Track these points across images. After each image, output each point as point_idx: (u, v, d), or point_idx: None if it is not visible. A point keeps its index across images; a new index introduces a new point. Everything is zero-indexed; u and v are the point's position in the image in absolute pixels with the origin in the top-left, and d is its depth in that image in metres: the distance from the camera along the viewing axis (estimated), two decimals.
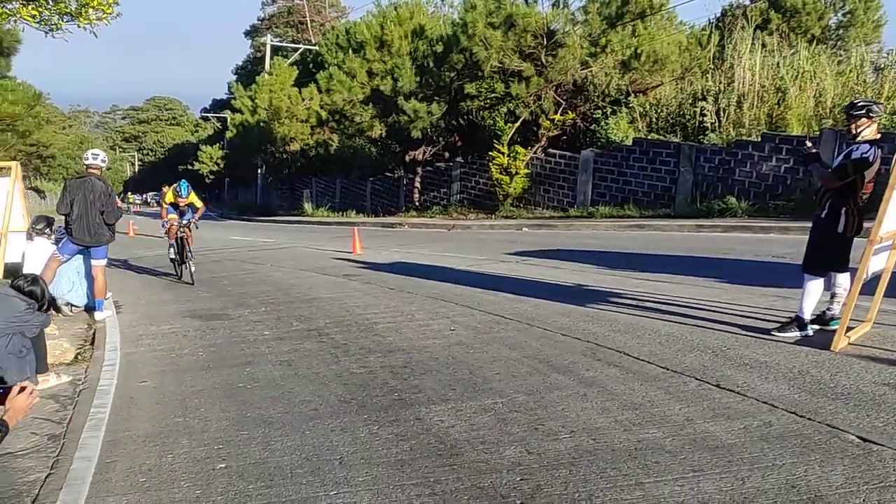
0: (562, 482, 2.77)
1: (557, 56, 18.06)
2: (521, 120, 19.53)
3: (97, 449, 3.35)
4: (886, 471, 2.74)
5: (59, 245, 6.78)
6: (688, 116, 18.02)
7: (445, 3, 29.76)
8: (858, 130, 4.83)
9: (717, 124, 17.11)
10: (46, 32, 8.10)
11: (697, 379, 4.01)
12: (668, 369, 4.23)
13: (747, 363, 4.29)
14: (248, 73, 50.12)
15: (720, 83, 17.70)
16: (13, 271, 6.29)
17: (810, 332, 4.86)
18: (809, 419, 3.30)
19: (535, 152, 19.64)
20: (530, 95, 18.70)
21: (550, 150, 19.60)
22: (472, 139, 22.90)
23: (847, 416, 3.33)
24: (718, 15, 25.03)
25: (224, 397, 4.13)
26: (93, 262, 6.78)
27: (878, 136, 4.86)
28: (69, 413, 3.96)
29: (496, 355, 4.77)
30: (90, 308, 7.14)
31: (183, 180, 9.63)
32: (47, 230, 7.18)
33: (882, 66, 17.06)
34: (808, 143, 5.19)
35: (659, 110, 18.80)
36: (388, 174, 27.01)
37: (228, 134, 38.43)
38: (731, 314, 5.60)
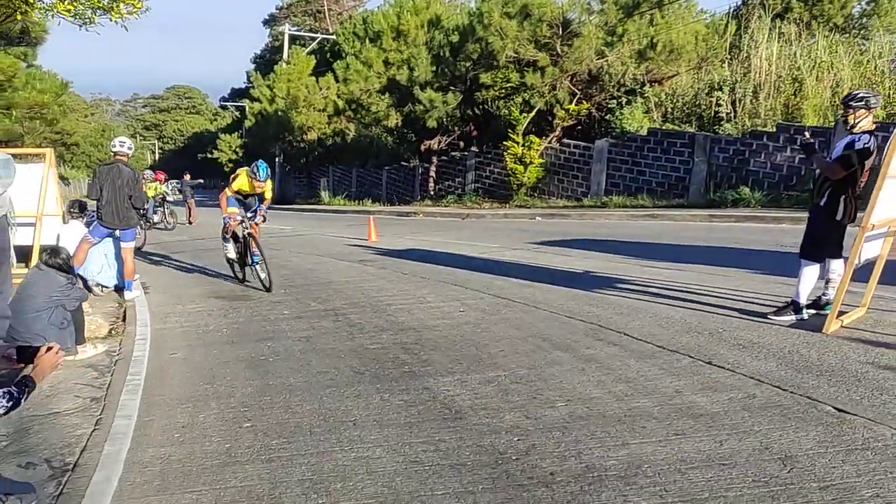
0: (555, 442, 3.04)
1: (573, 46, 18.15)
2: (535, 110, 19.66)
3: (135, 409, 3.69)
4: (855, 436, 2.97)
5: (90, 228, 7.15)
6: (703, 106, 18.03)
7: None
8: (857, 121, 4.99)
9: (732, 114, 17.12)
10: (80, 26, 8.46)
11: (691, 357, 4.25)
12: (664, 348, 4.47)
13: (741, 343, 4.51)
14: (266, 62, 50.55)
15: (736, 73, 17.69)
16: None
17: (805, 316, 5.06)
18: (791, 392, 3.54)
19: (549, 142, 19.78)
20: (545, 85, 18.82)
21: (565, 140, 19.72)
22: (488, 129, 23.07)
23: (828, 390, 3.56)
24: (739, 3, 24.88)
25: (248, 368, 4.46)
26: (122, 244, 7.15)
27: (874, 126, 5.02)
28: (107, 379, 4.31)
29: (502, 334, 5.04)
30: (119, 288, 7.52)
31: (260, 160, 7.51)
32: (81, 214, 7.55)
33: None
34: (807, 135, 5.37)
35: (674, 100, 18.82)
36: (403, 163, 27.28)
37: (247, 123, 38.88)
38: (733, 299, 5.81)
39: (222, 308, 6.55)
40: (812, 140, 5.37)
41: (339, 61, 23.98)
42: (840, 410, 3.27)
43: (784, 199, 13.81)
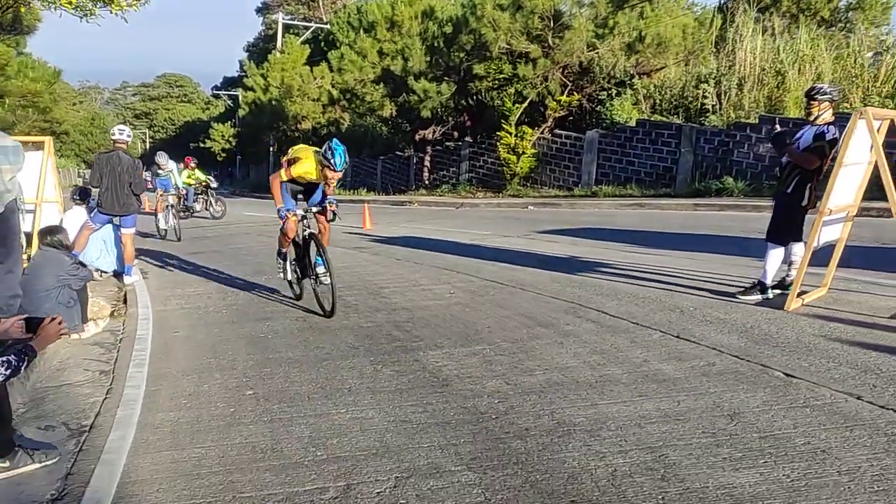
0: (531, 404, 3.36)
1: (564, 38, 18.39)
2: (528, 101, 19.92)
3: (143, 380, 3.98)
4: (798, 396, 3.31)
5: (91, 215, 7.40)
6: (690, 98, 18.34)
7: None
8: (820, 113, 5.31)
9: (718, 106, 17.44)
10: (81, 17, 8.64)
11: (661, 332, 4.57)
12: (638, 324, 4.79)
13: (709, 320, 4.84)
14: (259, 50, 50.41)
15: (722, 66, 17.99)
16: None
17: (771, 296, 5.39)
18: (747, 361, 3.87)
19: (541, 132, 20.06)
20: (537, 76, 19.07)
21: (557, 131, 20.00)
22: (481, 119, 23.31)
23: (780, 359, 3.89)
24: None
25: (248, 344, 4.75)
26: (122, 230, 7.41)
27: (833, 118, 5.33)
28: (114, 355, 4.59)
29: (489, 313, 5.35)
30: (118, 273, 7.78)
31: (336, 141, 5.30)
32: (83, 201, 7.79)
33: (880, 50, 17.28)
34: (777, 127, 5.68)
35: (663, 92, 19.11)
36: (398, 153, 27.49)
37: (241, 112, 38.93)
38: (706, 281, 6.14)
39: (221, 291, 6.83)
40: (783, 131, 5.69)
41: (333, 51, 24.10)
42: (788, 375, 3.60)
43: (766, 189, 14.15)
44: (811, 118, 5.36)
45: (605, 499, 2.41)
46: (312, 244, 5.56)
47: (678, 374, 3.70)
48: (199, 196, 17.32)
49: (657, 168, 17.26)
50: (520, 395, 3.47)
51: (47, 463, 2.84)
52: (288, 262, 5.90)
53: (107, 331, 5.25)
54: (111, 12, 8.58)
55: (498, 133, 19.96)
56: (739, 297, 5.46)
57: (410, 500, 2.46)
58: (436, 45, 21.02)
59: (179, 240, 11.74)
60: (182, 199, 14.52)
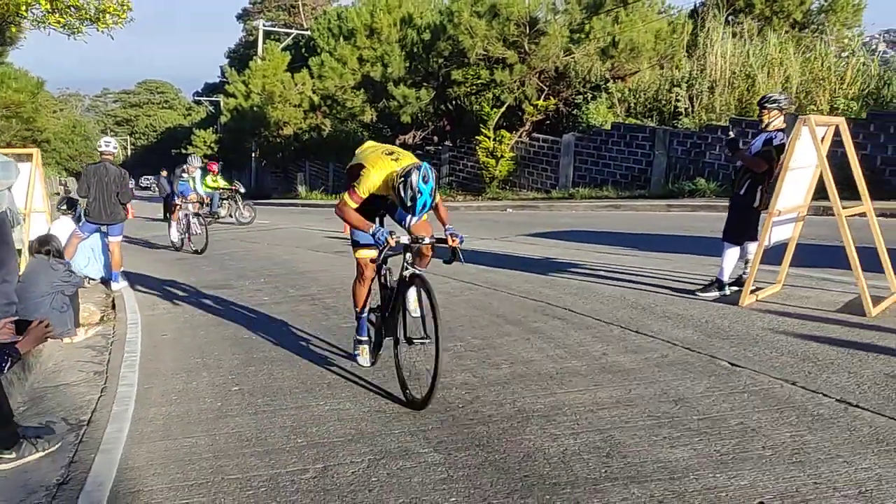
0: (495, 394, 3.66)
1: (540, 44, 18.78)
2: (506, 105, 20.28)
3: (135, 380, 4.23)
4: (740, 384, 3.64)
5: (80, 224, 7.59)
6: (664, 102, 18.82)
7: None
8: (770, 120, 5.70)
9: (690, 109, 17.94)
10: (69, 35, 8.86)
11: (622, 327, 4.90)
12: (601, 321, 5.12)
13: (667, 316, 5.18)
14: (240, 56, 50.42)
15: (694, 70, 18.51)
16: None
17: (728, 292, 5.75)
18: (698, 352, 4.20)
19: (519, 136, 20.44)
20: (514, 82, 19.45)
21: (534, 135, 20.39)
22: (460, 124, 23.64)
23: (728, 350, 4.23)
24: (698, 2, 25.73)
25: (233, 345, 5.00)
26: (110, 238, 7.61)
27: (784, 125, 5.72)
28: (106, 357, 4.82)
29: (463, 313, 5.65)
30: (105, 280, 7.97)
31: (424, 167, 3.55)
32: (70, 210, 7.97)
33: (848, 53, 17.91)
34: (731, 133, 6.06)
35: (637, 96, 19.59)
36: None
37: (223, 118, 38.94)
38: (670, 279, 6.48)
39: (206, 297, 7.05)
40: (736, 137, 6.07)
41: (314, 57, 24.34)
42: (733, 364, 3.94)
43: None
44: (762, 125, 5.75)
45: (555, 473, 2.71)
46: (413, 291, 3.74)
47: (633, 365, 4.02)
48: (224, 201, 17.19)
49: (632, 170, 17.70)
50: (486, 387, 3.77)
51: (50, 450, 3.08)
52: (368, 313, 4.09)
53: (98, 335, 5.47)
54: (98, 30, 8.79)
55: (477, 137, 20.30)
56: (698, 294, 5.81)
57: (381, 478, 2.75)
58: (415, 51, 21.34)
59: (203, 251, 10.59)
60: (203, 206, 13.20)
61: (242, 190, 17.71)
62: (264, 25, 39.87)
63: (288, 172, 35.91)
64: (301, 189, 31.32)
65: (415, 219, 3.72)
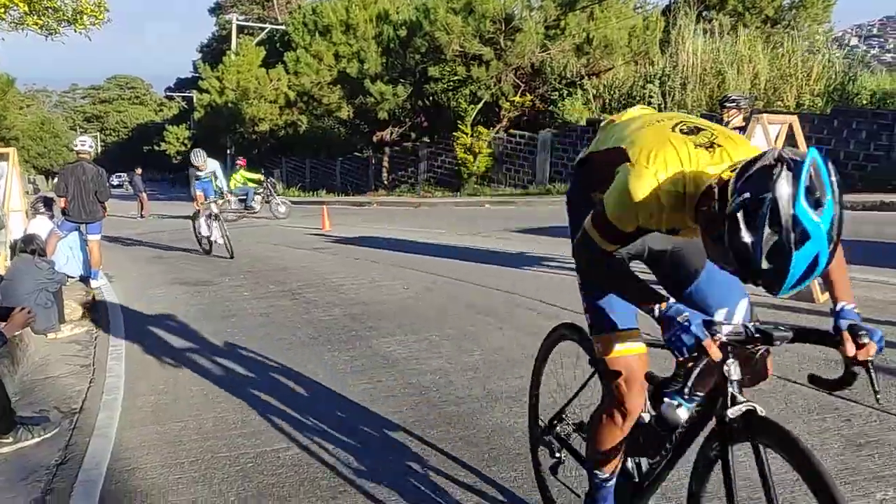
0: (467, 378, 3.90)
1: (515, 40, 19.04)
2: (482, 101, 20.54)
3: (122, 371, 4.39)
4: None
5: (58, 223, 7.66)
6: (637, 98, 19.22)
7: None
8: (730, 119, 6.01)
9: (663, 105, 18.37)
10: (46, 36, 8.87)
11: None
12: (570, 310, 5.36)
13: None
14: (213, 51, 49.87)
15: (667, 66, 18.95)
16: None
17: None
18: (658, 338, 4.48)
19: (496, 133, 20.71)
20: (491, 78, 19.69)
21: (511, 131, 20.67)
22: (438, 120, 23.84)
23: None
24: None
25: (216, 338, 5.17)
26: (89, 236, 7.69)
27: (744, 123, 6.03)
28: (91, 351, 4.97)
29: (438, 305, 5.88)
30: (84, 278, 8.04)
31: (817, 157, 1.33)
32: (47, 209, 8.02)
33: (814, 50, 18.50)
34: None
35: (612, 92, 19.97)
36: (357, 154, 27.82)
37: (196, 115, 38.60)
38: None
39: (186, 292, 7.20)
40: None
41: (289, 53, 24.30)
42: None
43: None
44: (723, 124, 6.05)
45: (518, 446, 2.96)
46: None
47: None
48: (258, 195, 17.42)
49: None
50: (458, 372, 4.01)
51: (46, 436, 3.25)
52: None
53: (82, 330, 5.60)
54: (75, 31, 8.82)
55: (454, 133, 20.53)
56: None
57: (359, 453, 2.97)
58: (391, 47, 21.47)
59: (232, 256, 9.34)
60: (227, 203, 12.13)
61: (279, 185, 18.14)
62: (238, 19, 39.57)
63: (265, 169, 35.77)
64: (278, 186, 31.26)
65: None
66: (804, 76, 16.98)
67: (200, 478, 2.81)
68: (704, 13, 24.27)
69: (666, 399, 1.84)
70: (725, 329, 1.56)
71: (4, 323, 3.38)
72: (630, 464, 2.06)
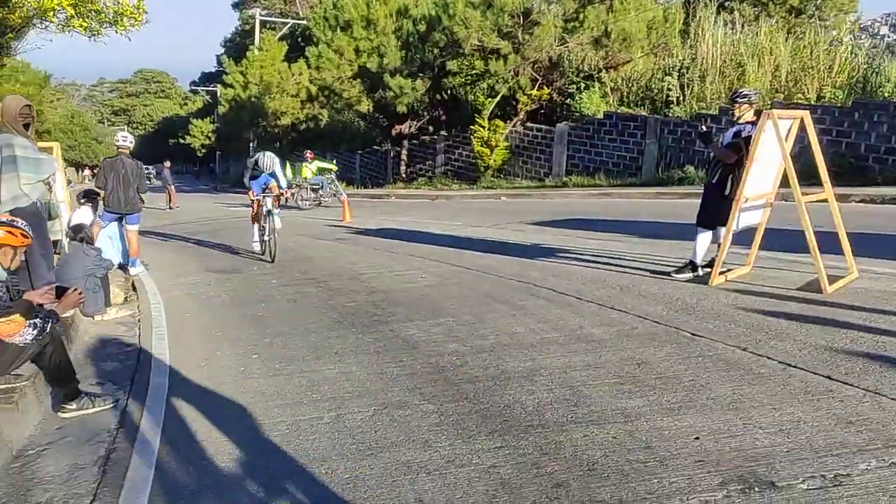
0: (482, 360, 4.19)
1: (533, 34, 19.19)
2: (500, 95, 20.72)
3: (166, 349, 4.77)
4: (696, 350, 4.17)
5: (99, 214, 8.09)
6: (656, 90, 19.27)
7: None
8: (741, 114, 6.19)
9: (681, 98, 18.39)
10: (90, 37, 9.32)
11: (599, 304, 5.42)
12: (581, 299, 5.64)
13: (643, 294, 5.70)
14: (236, 45, 50.57)
15: (686, 59, 18.94)
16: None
17: (701, 273, 6.26)
18: (664, 325, 4.73)
19: (513, 126, 20.90)
20: (508, 72, 19.86)
21: (528, 124, 20.84)
22: (455, 113, 24.08)
23: (692, 323, 4.76)
24: None
25: (248, 321, 5.53)
26: (127, 227, 8.11)
27: (755, 118, 6.21)
28: (136, 332, 5.36)
29: (455, 293, 6.17)
30: (123, 265, 8.47)
31: None
32: (90, 201, 8.46)
33: (837, 41, 18.36)
34: (704, 128, 6.56)
35: (630, 85, 20.02)
36: (375, 147, 28.19)
37: (220, 109, 39.26)
38: (649, 262, 7.01)
39: (218, 279, 7.58)
40: (708, 130, 6.57)
41: (311, 48, 24.67)
42: (693, 335, 4.47)
43: None
44: (735, 118, 6.25)
45: (529, 419, 3.25)
46: None
47: (605, 336, 4.56)
48: (331, 186, 18.30)
49: (624, 159, 18.18)
50: (474, 354, 4.30)
51: (105, 407, 3.62)
52: None
53: (125, 313, 6.00)
54: (116, 31, 9.26)
55: (472, 127, 20.76)
56: (674, 275, 6.33)
57: (385, 422, 3.28)
58: (410, 42, 21.73)
59: (272, 260, 8.49)
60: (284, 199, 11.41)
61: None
62: (261, 15, 40.06)
63: (286, 162, 36.34)
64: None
65: None
66: (826, 68, 16.88)
67: (244, 441, 3.15)
68: (726, 3, 24.12)
69: None
70: None
71: (58, 301, 3.75)
72: None
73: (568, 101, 20.45)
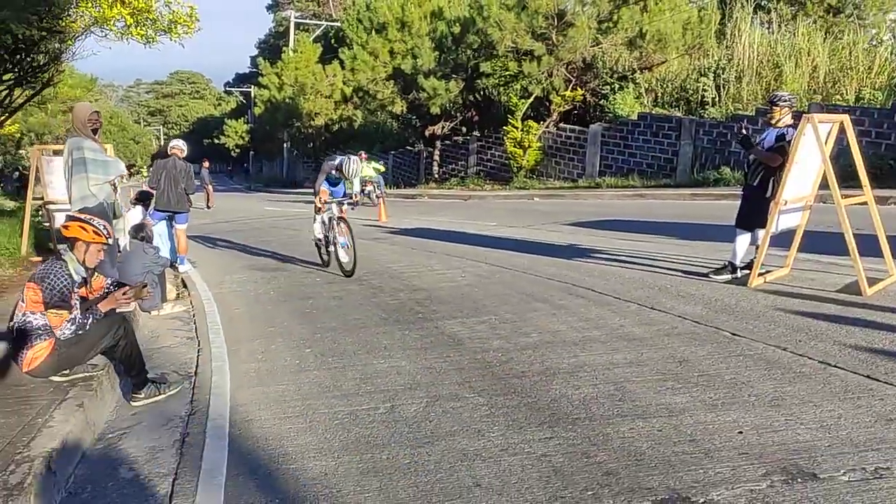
0: (527, 356, 4.34)
1: (567, 35, 19.23)
2: (533, 96, 20.81)
3: (223, 343, 5.02)
4: (737, 349, 4.26)
5: (150, 212, 8.44)
6: (691, 91, 19.14)
7: None
8: (780, 117, 6.22)
9: (717, 99, 18.24)
10: (145, 45, 9.76)
11: (639, 304, 5.53)
12: (620, 299, 5.75)
13: (682, 295, 5.78)
14: (270, 47, 51.51)
15: (721, 59, 18.77)
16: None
17: (739, 275, 6.32)
18: (704, 325, 4.82)
19: (546, 127, 20.95)
20: (542, 73, 19.94)
21: (561, 125, 20.88)
22: (488, 114, 24.23)
23: (732, 323, 4.84)
24: None
25: (297, 317, 5.77)
26: (177, 225, 8.46)
27: (793, 122, 6.23)
28: (192, 326, 5.63)
29: (495, 292, 6.33)
30: (172, 263, 8.82)
31: None
32: (143, 202, 8.85)
33: (875, 42, 17.99)
34: (743, 131, 6.59)
35: (664, 86, 19.93)
36: (408, 148, 28.48)
37: (256, 110, 40.05)
38: (686, 264, 7.07)
39: (264, 277, 7.87)
40: (746, 133, 6.60)
41: (346, 50, 25.07)
42: (734, 334, 4.56)
43: None
44: (773, 122, 6.27)
45: (576, 412, 3.39)
46: None
47: (646, 334, 4.67)
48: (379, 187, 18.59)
49: (658, 160, 18.11)
50: (518, 351, 4.46)
51: (171, 393, 3.87)
52: None
53: (180, 308, 6.30)
54: (170, 39, 9.69)
55: (504, 128, 20.87)
56: (712, 276, 6.39)
57: (438, 413, 3.46)
58: (444, 44, 21.94)
59: (352, 272, 7.51)
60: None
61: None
62: (295, 17, 40.74)
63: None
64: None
65: None
66: (865, 69, 16.58)
67: (307, 428, 3.36)
68: (763, 3, 23.77)
69: None
70: None
71: (123, 291, 3.92)
72: None
73: (602, 101, 20.43)
